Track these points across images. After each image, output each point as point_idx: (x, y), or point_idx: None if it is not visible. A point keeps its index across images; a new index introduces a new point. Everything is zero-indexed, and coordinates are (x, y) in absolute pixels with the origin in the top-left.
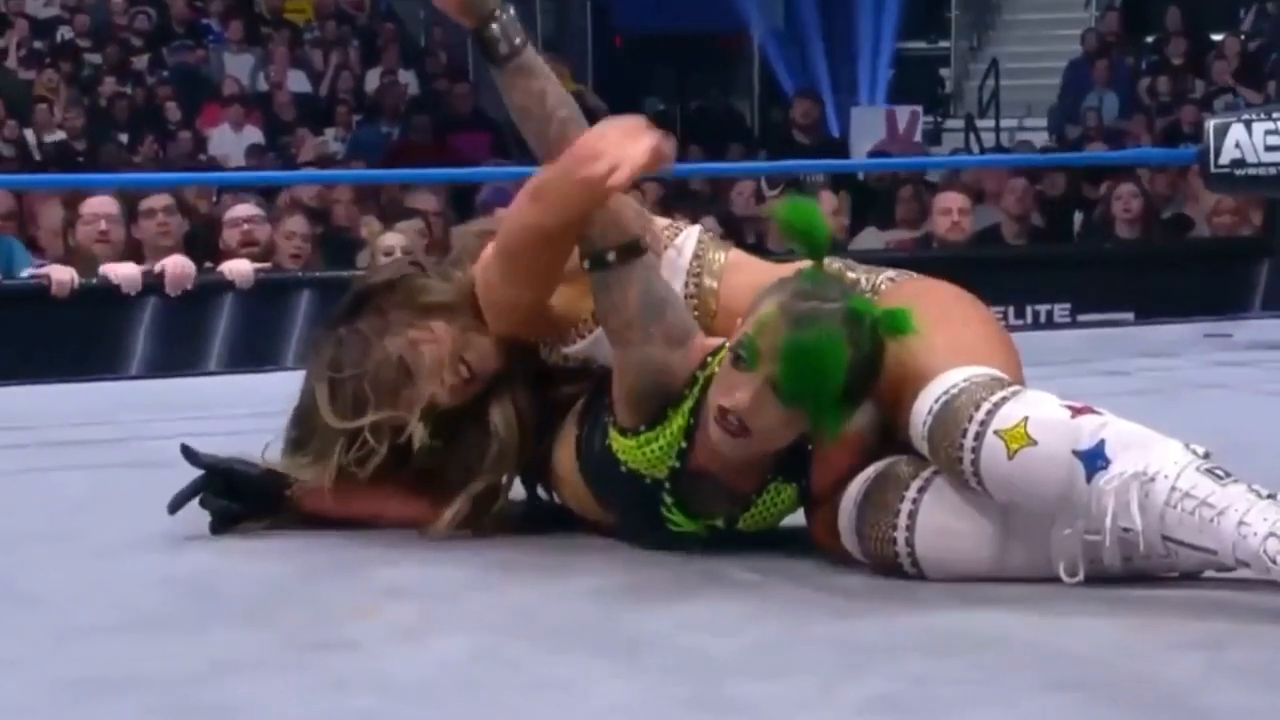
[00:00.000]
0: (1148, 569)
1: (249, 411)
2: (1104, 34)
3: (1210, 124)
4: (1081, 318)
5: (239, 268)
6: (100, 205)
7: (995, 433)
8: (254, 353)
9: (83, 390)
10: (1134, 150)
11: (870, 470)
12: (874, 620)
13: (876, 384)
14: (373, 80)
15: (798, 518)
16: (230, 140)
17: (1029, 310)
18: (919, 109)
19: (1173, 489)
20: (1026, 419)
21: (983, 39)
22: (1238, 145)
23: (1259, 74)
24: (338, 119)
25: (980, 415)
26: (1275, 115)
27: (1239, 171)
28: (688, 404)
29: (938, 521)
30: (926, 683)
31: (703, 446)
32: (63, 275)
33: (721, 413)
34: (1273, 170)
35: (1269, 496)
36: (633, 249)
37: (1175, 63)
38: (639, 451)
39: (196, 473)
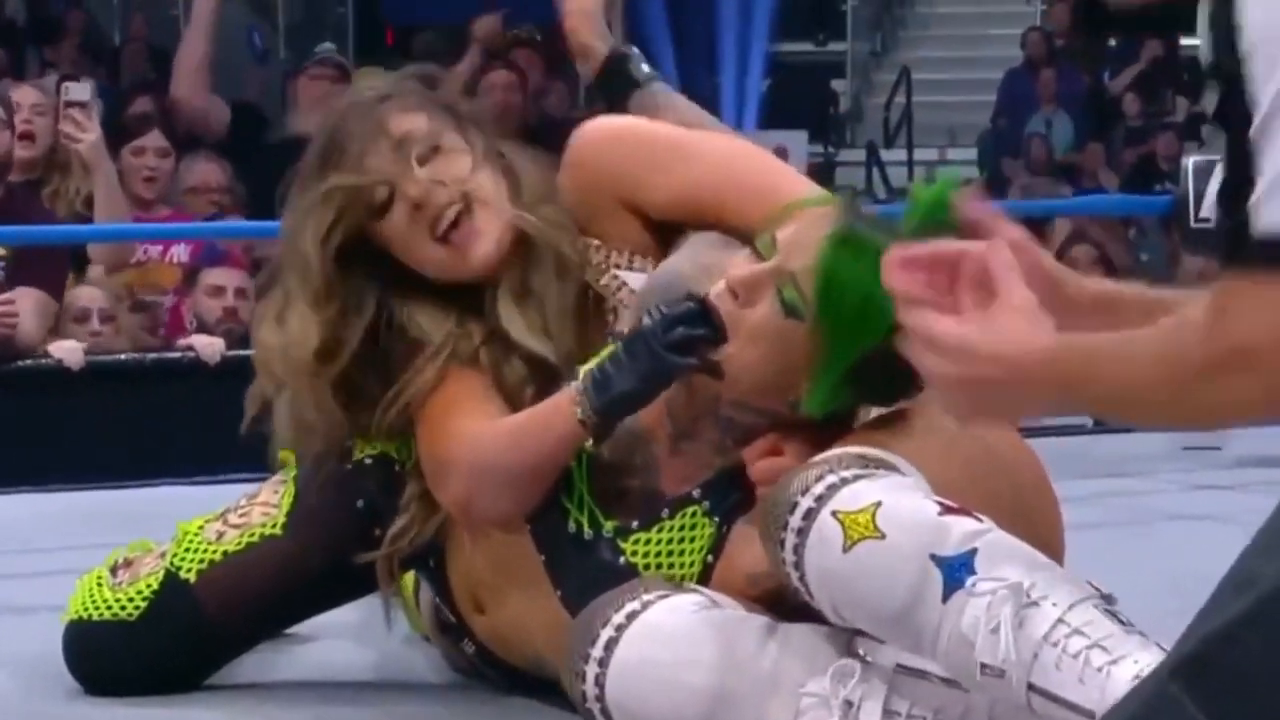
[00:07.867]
0: None
1: None
2: (1052, 34)
3: (1189, 162)
4: (1024, 424)
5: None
6: None
7: (833, 513)
8: None
9: None
10: (1091, 197)
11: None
12: None
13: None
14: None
15: None
16: None
17: None
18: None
19: (1059, 620)
20: (878, 505)
21: (890, 40)
22: None
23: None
24: None
25: (819, 489)
26: None
27: None
28: None
29: (640, 653)
30: None
31: (659, 408)
32: None
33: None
34: None
35: None
36: None
37: (1147, 74)
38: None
39: None
